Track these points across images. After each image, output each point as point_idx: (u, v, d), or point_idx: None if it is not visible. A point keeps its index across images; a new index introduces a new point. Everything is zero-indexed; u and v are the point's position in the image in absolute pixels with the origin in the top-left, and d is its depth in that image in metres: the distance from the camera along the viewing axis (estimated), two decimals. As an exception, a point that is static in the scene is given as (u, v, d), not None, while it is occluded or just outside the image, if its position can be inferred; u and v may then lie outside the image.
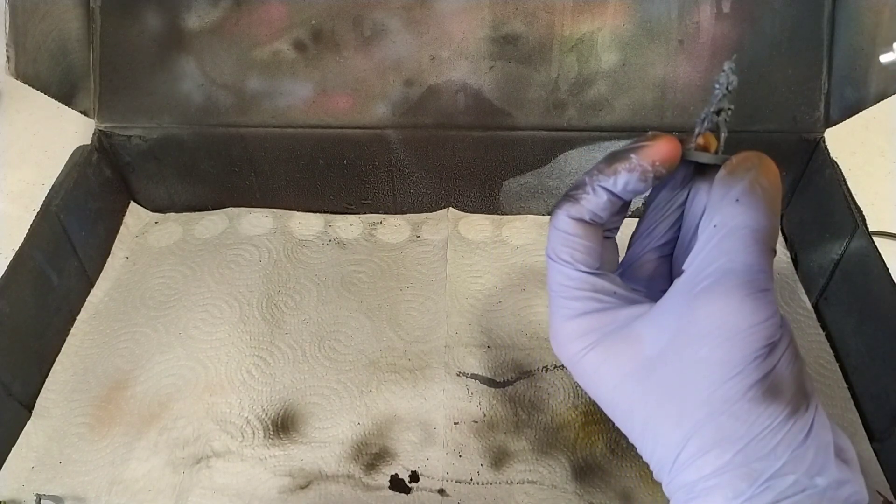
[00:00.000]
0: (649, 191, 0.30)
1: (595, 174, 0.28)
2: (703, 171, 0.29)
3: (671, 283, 0.28)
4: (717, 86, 0.28)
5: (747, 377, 0.24)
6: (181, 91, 0.61)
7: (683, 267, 0.26)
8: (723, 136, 0.29)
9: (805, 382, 0.25)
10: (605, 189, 0.28)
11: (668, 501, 0.26)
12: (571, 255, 0.28)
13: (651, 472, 0.27)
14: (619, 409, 0.27)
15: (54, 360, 0.55)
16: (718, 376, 0.24)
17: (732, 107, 0.28)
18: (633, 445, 0.27)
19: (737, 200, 0.25)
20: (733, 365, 0.24)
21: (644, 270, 0.31)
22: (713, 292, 0.25)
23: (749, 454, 0.24)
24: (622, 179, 0.28)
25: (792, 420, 0.24)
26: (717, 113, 0.29)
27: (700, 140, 0.29)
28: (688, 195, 0.30)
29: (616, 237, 0.31)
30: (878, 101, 0.54)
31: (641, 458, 0.27)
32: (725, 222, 0.25)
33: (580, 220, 0.28)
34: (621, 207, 0.30)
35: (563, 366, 0.53)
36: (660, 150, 0.27)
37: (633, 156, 0.28)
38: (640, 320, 0.27)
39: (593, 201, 0.28)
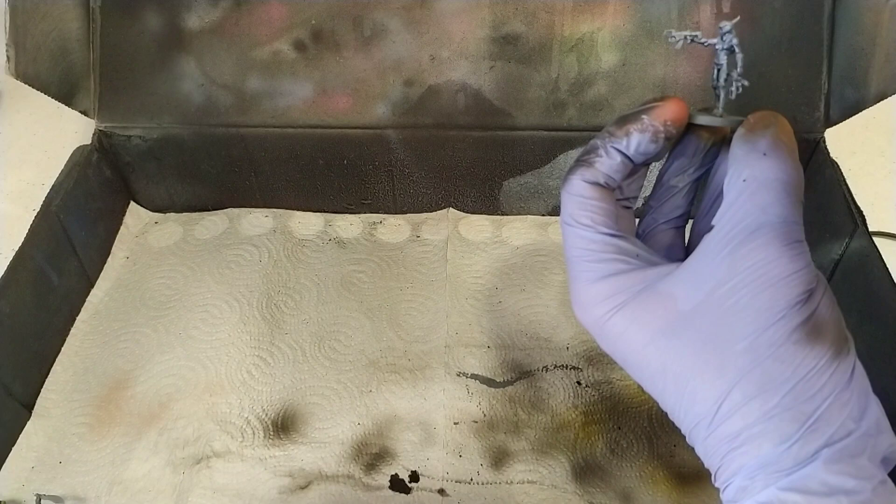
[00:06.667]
0: (663, 159, 0.30)
1: (607, 137, 0.29)
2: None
3: (684, 251, 0.29)
4: (734, 44, 0.29)
5: (791, 320, 0.24)
6: (181, 91, 0.61)
7: (713, 222, 0.26)
8: (725, 95, 0.30)
9: (844, 328, 0.26)
10: (618, 150, 0.28)
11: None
12: (591, 217, 0.28)
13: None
14: (649, 370, 0.27)
15: (54, 360, 0.55)
16: (762, 322, 0.25)
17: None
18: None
19: (764, 154, 0.26)
20: (776, 310, 0.24)
21: (656, 241, 0.31)
22: (751, 244, 0.25)
23: (796, 396, 0.24)
24: (634, 140, 0.28)
25: (836, 362, 0.24)
26: (734, 76, 0.29)
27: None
28: (705, 166, 0.31)
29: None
30: (878, 101, 0.54)
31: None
32: (755, 176, 0.26)
33: (595, 184, 0.28)
34: (634, 173, 0.30)
35: (563, 366, 0.54)
36: (671, 110, 0.28)
37: (644, 116, 0.28)
38: (670, 278, 0.27)
39: (607, 163, 0.28)
